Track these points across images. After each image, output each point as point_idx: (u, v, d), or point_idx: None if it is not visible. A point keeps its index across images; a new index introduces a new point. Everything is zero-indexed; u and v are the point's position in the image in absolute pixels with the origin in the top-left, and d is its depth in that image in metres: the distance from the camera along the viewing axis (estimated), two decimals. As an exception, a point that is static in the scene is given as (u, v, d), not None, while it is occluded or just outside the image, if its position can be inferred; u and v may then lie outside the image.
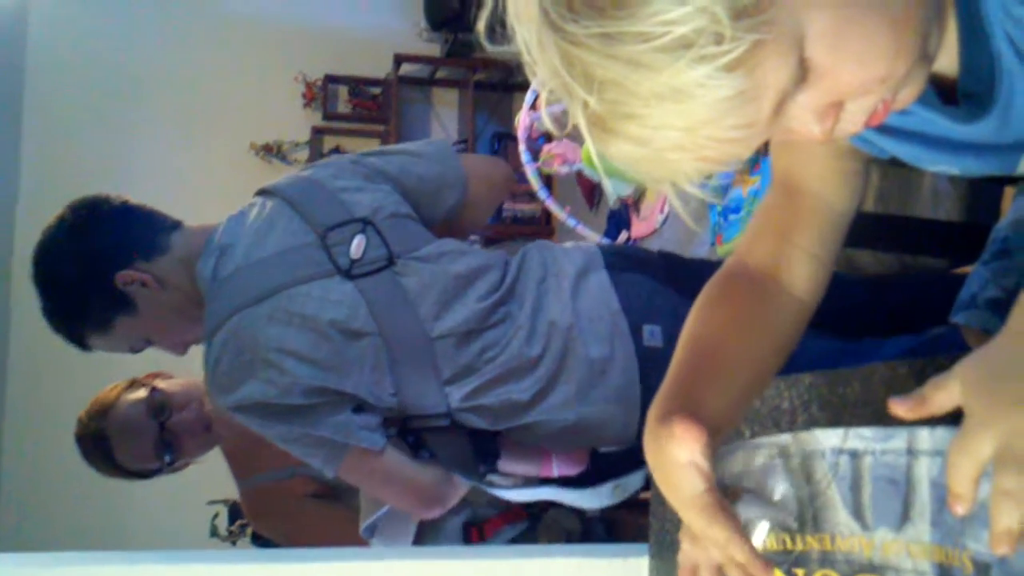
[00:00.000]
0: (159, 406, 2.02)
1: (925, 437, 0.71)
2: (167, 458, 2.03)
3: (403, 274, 1.63)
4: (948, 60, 0.81)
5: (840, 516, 0.76)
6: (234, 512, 2.51)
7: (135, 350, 1.78)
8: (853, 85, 0.72)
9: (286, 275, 1.60)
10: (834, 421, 0.94)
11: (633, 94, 0.68)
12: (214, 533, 2.55)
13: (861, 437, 0.74)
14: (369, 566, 1.30)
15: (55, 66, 5.48)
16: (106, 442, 2.01)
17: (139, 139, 5.52)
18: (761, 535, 0.80)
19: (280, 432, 1.58)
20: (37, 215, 5.51)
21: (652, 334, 1.59)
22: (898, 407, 0.67)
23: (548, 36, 0.69)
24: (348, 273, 1.61)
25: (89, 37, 5.53)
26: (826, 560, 0.77)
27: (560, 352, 1.59)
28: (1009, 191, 1.21)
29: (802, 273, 0.95)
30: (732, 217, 3.39)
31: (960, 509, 0.63)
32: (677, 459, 0.78)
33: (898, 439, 0.72)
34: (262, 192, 1.79)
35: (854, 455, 0.75)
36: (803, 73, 0.70)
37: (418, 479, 1.62)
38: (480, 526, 1.75)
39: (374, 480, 1.62)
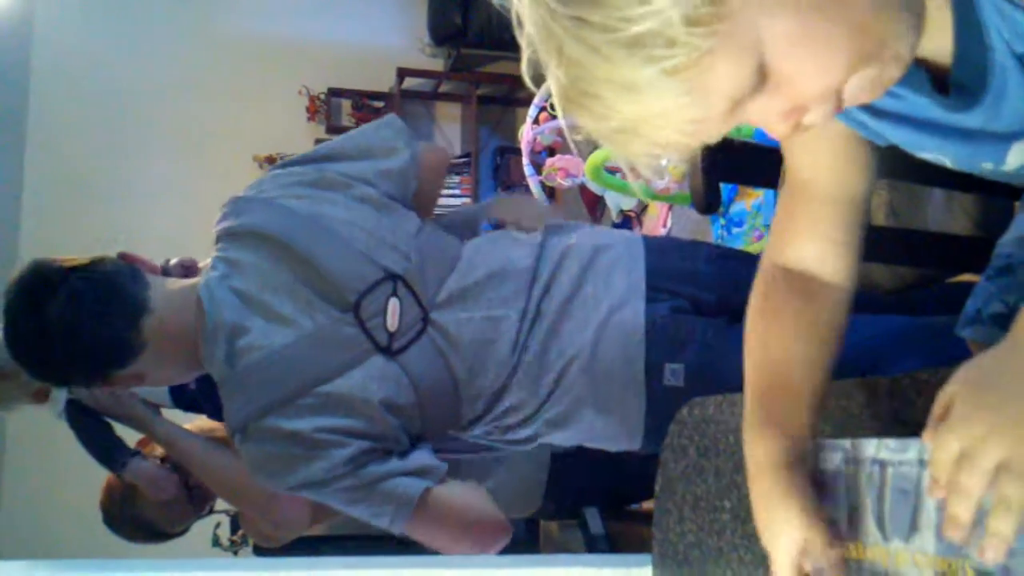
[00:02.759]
0: (173, 468, 2.04)
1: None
2: (208, 507, 2.12)
3: (438, 334, 1.56)
4: (943, 48, 0.81)
5: (869, 525, 0.78)
6: (236, 522, 2.51)
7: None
8: (813, 93, 0.73)
9: (325, 365, 1.49)
10: (838, 433, 0.94)
11: (592, 76, 0.70)
12: (216, 542, 2.55)
13: (888, 448, 0.76)
14: (370, 574, 1.30)
15: (59, 80, 5.48)
16: (151, 524, 2.07)
17: (143, 151, 5.52)
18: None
19: (339, 501, 1.53)
20: (41, 229, 5.49)
21: (674, 374, 1.52)
22: (927, 434, 0.70)
23: (534, 3, 0.72)
24: (389, 350, 1.53)
25: (93, 50, 5.54)
26: (857, 568, 0.79)
27: (567, 398, 1.56)
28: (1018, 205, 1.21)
29: (836, 263, 0.97)
30: (736, 230, 3.40)
31: (936, 493, 0.66)
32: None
33: (912, 450, 0.74)
34: (238, 235, 1.59)
35: (882, 465, 0.76)
36: (761, 78, 0.71)
37: (490, 508, 1.56)
38: None
39: (449, 520, 1.52)
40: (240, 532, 2.50)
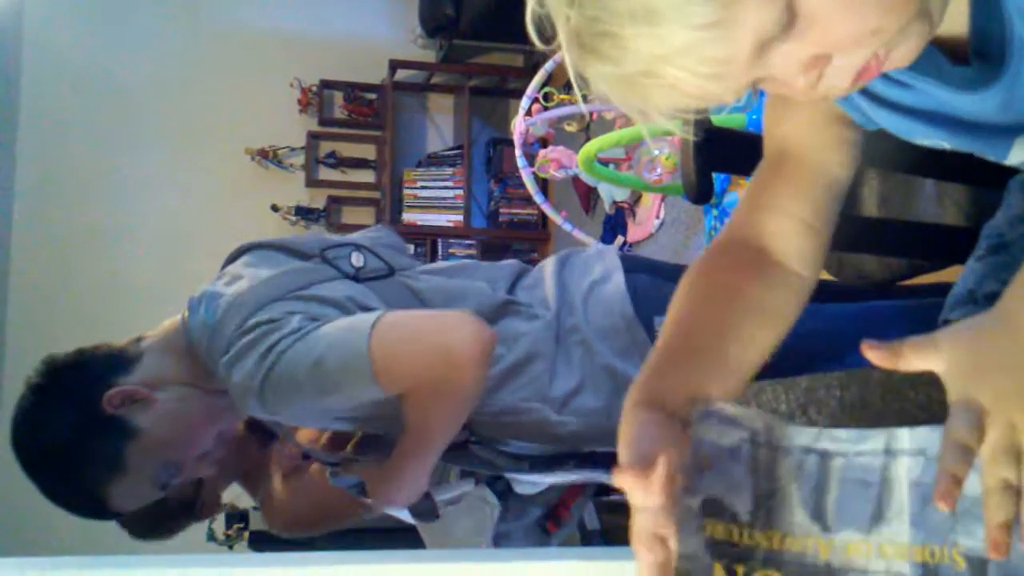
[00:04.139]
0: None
1: (905, 437, 0.69)
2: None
3: (407, 279, 1.62)
4: (959, 21, 0.79)
5: (795, 516, 0.74)
6: (231, 516, 2.52)
7: (164, 484, 1.60)
8: (842, 36, 0.70)
9: (291, 283, 1.53)
10: (832, 424, 0.94)
11: (611, 11, 0.67)
12: (211, 537, 2.55)
13: (834, 439, 0.73)
14: (366, 570, 1.30)
15: (51, 74, 5.47)
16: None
17: (135, 145, 5.51)
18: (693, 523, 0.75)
19: (303, 372, 1.43)
20: (34, 223, 5.46)
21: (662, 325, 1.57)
22: (870, 351, 0.68)
23: None
24: (355, 278, 1.58)
25: (84, 43, 5.53)
26: (771, 560, 0.74)
27: (581, 359, 1.55)
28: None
29: (797, 245, 0.92)
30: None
31: (945, 504, 0.63)
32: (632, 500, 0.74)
33: (874, 440, 0.71)
34: (231, 259, 1.70)
35: (824, 456, 0.73)
36: (790, 18, 0.68)
37: (444, 319, 1.49)
38: (554, 515, 1.73)
39: (407, 346, 1.45)
40: (235, 526, 2.51)
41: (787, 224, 0.92)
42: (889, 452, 0.70)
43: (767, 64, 0.71)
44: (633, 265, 1.66)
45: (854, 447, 0.71)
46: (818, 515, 0.72)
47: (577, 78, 0.74)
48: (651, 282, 1.61)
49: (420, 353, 1.45)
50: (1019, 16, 0.76)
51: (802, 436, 0.74)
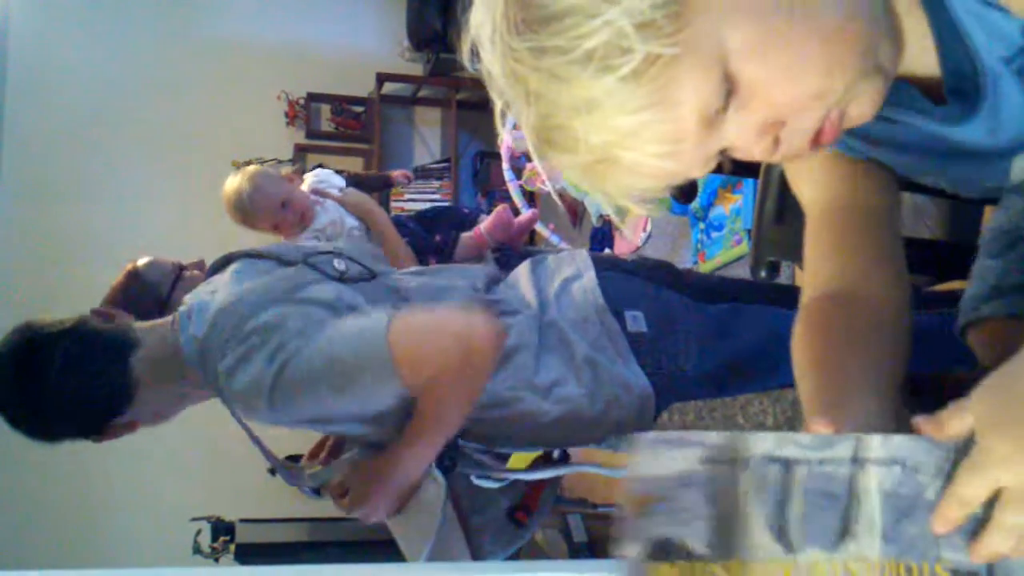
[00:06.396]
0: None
1: (876, 445, 0.65)
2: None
3: (389, 283, 1.68)
4: (930, 61, 0.80)
5: (757, 538, 0.66)
6: (217, 529, 2.50)
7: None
8: (785, 102, 0.71)
9: (280, 288, 1.55)
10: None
11: (557, 105, 0.71)
12: (197, 550, 2.54)
13: (797, 444, 0.65)
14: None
15: (36, 86, 5.46)
16: None
17: (121, 156, 5.50)
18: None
19: (319, 370, 1.45)
20: (17, 232, 5.42)
21: (635, 320, 1.60)
22: (924, 425, 0.66)
23: (499, 52, 0.73)
24: (340, 279, 1.62)
25: (70, 52, 5.52)
26: None
27: (561, 355, 1.58)
28: (989, 209, 1.21)
29: (878, 279, 0.92)
30: (715, 235, 3.41)
31: (942, 529, 0.63)
32: None
33: (842, 447, 0.65)
34: (217, 268, 1.73)
35: (787, 465, 0.66)
36: (730, 89, 0.70)
37: (457, 310, 1.55)
38: (523, 505, 1.74)
39: (427, 336, 1.50)
40: (221, 539, 2.49)
41: (859, 266, 0.92)
42: (857, 461, 0.65)
43: (721, 136, 0.72)
44: (603, 264, 1.73)
45: (818, 454, 0.66)
46: (782, 534, 0.66)
47: (543, 167, 0.77)
48: (621, 277, 1.68)
49: (440, 341, 1.49)
50: (986, 51, 0.77)
51: (762, 443, 0.66)
